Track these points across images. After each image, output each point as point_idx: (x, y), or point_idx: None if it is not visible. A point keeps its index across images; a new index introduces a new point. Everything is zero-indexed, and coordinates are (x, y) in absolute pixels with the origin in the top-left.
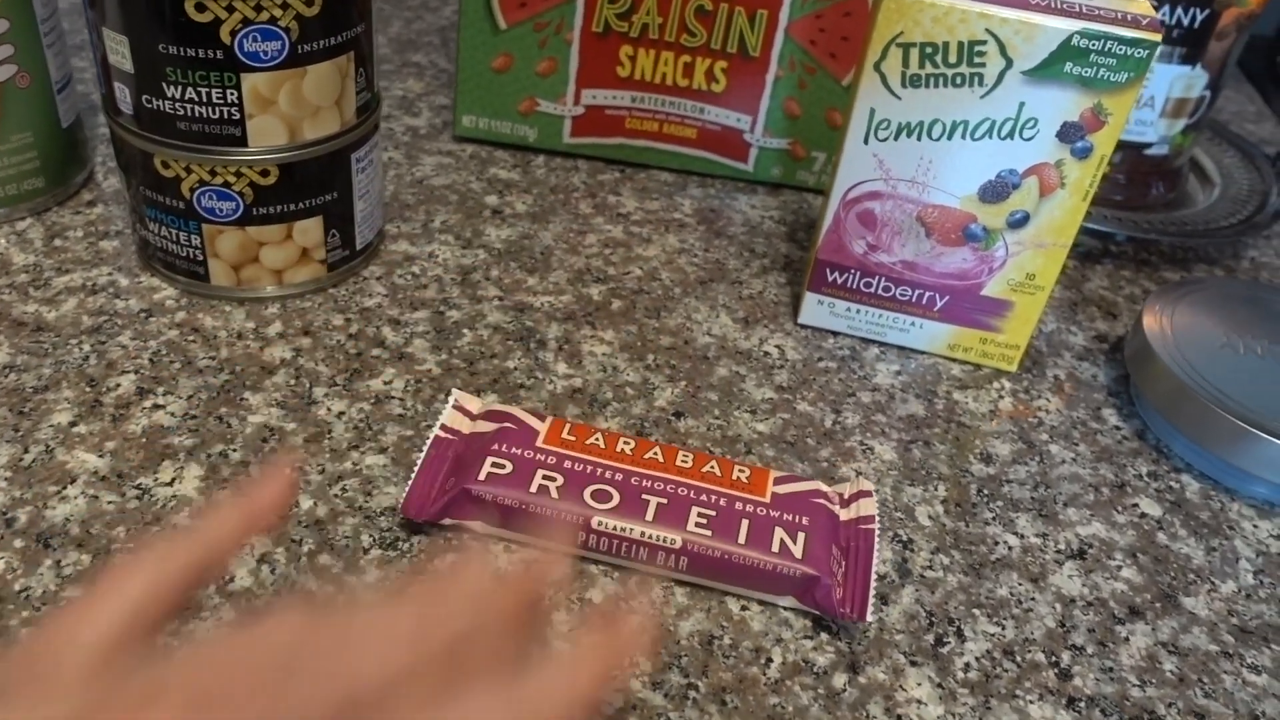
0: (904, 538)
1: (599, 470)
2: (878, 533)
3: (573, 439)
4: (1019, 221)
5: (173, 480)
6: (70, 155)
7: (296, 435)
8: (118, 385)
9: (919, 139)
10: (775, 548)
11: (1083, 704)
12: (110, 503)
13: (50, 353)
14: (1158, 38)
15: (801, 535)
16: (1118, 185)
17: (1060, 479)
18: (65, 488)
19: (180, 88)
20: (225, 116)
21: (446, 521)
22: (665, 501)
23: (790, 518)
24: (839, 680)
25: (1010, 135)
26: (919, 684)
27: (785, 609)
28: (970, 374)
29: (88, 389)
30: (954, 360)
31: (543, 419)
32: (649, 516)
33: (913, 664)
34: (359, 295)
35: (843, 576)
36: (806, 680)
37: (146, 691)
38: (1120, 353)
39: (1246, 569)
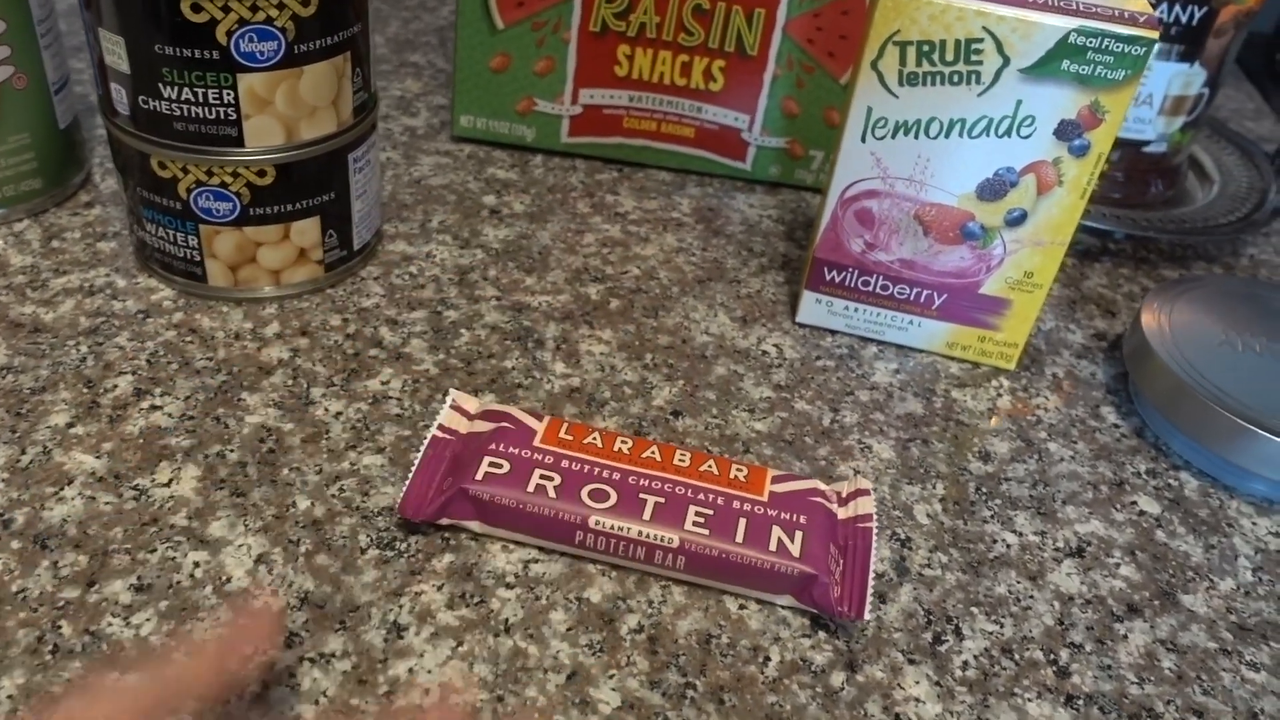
0: (902, 536)
1: (596, 469)
2: (876, 531)
3: (570, 438)
4: (1017, 219)
5: (170, 481)
6: (67, 156)
7: (294, 435)
8: (115, 386)
9: (916, 137)
10: (773, 546)
11: (1081, 702)
12: (107, 504)
13: (47, 354)
14: (1155, 35)
15: (799, 534)
16: (1116, 183)
17: (1059, 477)
18: (62, 489)
19: (176, 88)
20: (222, 117)
21: (444, 521)
22: (663, 500)
23: (788, 516)
24: (837, 679)
25: (1007, 133)
26: (917, 682)
27: (783, 608)
28: (968, 372)
29: (85, 390)
30: (952, 358)
31: (540, 418)
32: (646, 516)
33: (911, 662)
34: (356, 295)
35: (840, 575)
36: (804, 679)
37: None
38: (1119, 350)
39: (1245, 566)
